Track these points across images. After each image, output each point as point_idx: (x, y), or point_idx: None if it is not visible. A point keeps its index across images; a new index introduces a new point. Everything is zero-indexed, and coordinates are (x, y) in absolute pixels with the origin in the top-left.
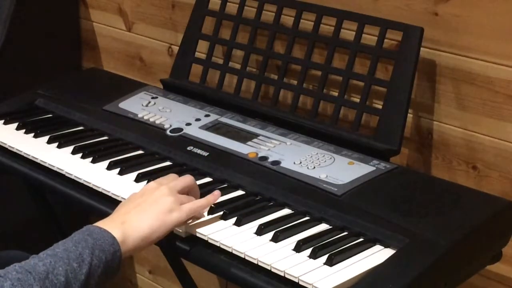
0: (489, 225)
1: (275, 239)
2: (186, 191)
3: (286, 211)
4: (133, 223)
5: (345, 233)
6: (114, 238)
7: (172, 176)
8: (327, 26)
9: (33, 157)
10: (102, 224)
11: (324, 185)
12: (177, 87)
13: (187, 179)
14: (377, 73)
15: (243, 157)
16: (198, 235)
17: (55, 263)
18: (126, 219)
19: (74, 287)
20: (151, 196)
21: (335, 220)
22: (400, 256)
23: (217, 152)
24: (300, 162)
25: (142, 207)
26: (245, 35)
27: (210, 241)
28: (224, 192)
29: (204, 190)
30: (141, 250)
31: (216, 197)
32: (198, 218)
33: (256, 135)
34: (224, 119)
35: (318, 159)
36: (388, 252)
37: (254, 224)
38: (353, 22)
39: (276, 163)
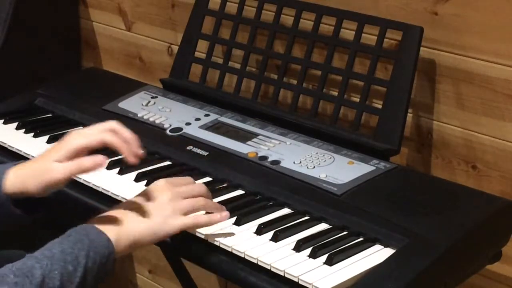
0: (489, 225)
1: (275, 238)
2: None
3: (286, 211)
4: (129, 225)
5: (345, 232)
6: (109, 240)
7: (186, 179)
8: (327, 25)
9: (32, 156)
10: (98, 223)
11: (324, 184)
12: (176, 86)
13: (199, 188)
14: (377, 73)
15: (243, 157)
16: (198, 234)
17: (51, 266)
18: (123, 220)
19: None
20: (154, 200)
21: (334, 220)
22: (399, 256)
23: (217, 152)
24: (300, 162)
25: (141, 210)
26: (245, 35)
27: (210, 240)
28: (224, 191)
29: None
30: (131, 252)
31: (224, 218)
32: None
33: (255, 135)
34: (223, 119)
35: (318, 158)
36: (388, 252)
37: (254, 224)
38: (353, 21)
39: (276, 162)
